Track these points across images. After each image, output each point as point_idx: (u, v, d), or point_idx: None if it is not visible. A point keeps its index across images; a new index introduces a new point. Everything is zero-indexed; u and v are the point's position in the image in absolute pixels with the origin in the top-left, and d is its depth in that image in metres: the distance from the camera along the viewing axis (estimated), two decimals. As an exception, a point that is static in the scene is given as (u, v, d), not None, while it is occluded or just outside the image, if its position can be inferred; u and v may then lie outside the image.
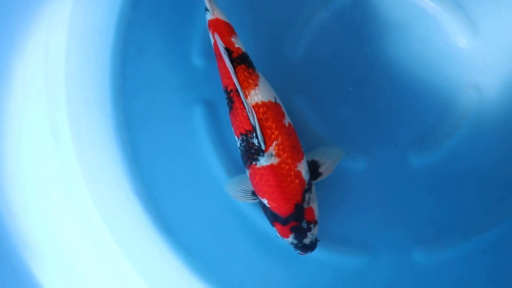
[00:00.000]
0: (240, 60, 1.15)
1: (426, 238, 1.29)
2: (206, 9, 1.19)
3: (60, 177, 1.29)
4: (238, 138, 1.15)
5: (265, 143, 1.11)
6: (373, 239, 1.29)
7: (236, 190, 1.23)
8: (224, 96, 1.17)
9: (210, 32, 1.18)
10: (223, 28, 1.17)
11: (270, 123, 1.12)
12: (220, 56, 1.15)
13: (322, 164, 1.21)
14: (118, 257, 1.29)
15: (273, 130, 1.12)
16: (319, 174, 1.20)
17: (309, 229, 1.15)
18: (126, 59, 1.35)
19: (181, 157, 1.35)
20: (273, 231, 1.30)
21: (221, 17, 1.18)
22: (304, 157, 1.16)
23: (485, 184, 1.30)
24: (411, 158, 1.31)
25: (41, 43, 1.28)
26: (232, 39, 1.16)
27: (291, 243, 1.17)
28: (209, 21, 1.18)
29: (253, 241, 1.33)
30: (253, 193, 1.20)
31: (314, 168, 1.20)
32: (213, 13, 1.18)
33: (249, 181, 1.19)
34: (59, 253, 1.25)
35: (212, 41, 1.17)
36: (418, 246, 1.30)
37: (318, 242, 1.19)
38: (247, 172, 1.16)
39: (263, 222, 1.32)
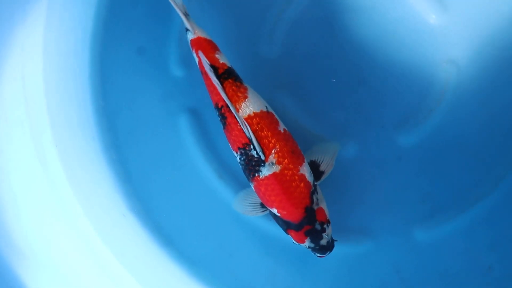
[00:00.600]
0: (227, 75, 1.15)
1: (423, 216, 1.30)
2: (187, 29, 1.19)
3: (54, 204, 1.28)
4: (237, 153, 1.15)
5: (264, 153, 1.11)
6: (372, 223, 1.30)
7: (244, 206, 1.23)
8: (215, 112, 1.17)
9: (194, 51, 1.18)
10: (206, 46, 1.17)
11: (265, 132, 1.12)
12: (206, 73, 1.15)
13: (322, 162, 1.21)
14: (124, 276, 1.29)
15: (270, 139, 1.12)
16: (322, 173, 1.20)
17: (324, 230, 1.15)
18: (104, 78, 1.35)
19: (172, 168, 1.35)
20: (274, 230, 1.31)
21: (203, 35, 1.18)
22: (305, 160, 1.16)
23: (474, 153, 1.31)
24: (399, 137, 1.32)
25: (16, 70, 1.28)
26: (216, 55, 1.17)
27: (309, 247, 1.16)
28: (191, 40, 1.18)
29: (254, 242, 1.33)
30: (262, 205, 1.20)
31: (315, 168, 1.20)
32: (194, 32, 1.18)
33: (255, 194, 1.18)
34: (65, 278, 1.24)
35: (197, 59, 1.18)
36: (417, 224, 1.30)
37: (335, 242, 1.18)
38: (252, 185, 1.16)
39: (262, 222, 1.33)
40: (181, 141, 1.35)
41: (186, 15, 1.19)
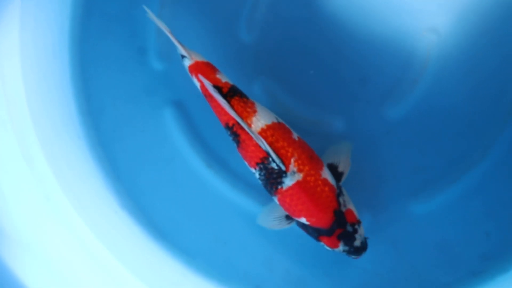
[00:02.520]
0: (232, 93, 1.13)
1: (417, 188, 1.29)
2: (183, 56, 1.17)
3: (44, 204, 1.27)
4: (256, 169, 1.13)
5: (284, 164, 1.09)
6: (365, 199, 1.29)
7: (269, 221, 1.21)
8: (227, 133, 1.15)
9: (194, 76, 1.16)
10: (205, 68, 1.16)
11: (281, 143, 1.11)
12: (210, 96, 1.14)
13: (339, 164, 1.19)
14: (120, 272, 1.28)
15: (287, 148, 1.10)
16: (341, 174, 1.19)
17: (356, 231, 1.13)
18: (86, 77, 1.35)
19: (160, 162, 1.34)
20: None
21: (199, 58, 1.17)
22: (324, 164, 1.15)
23: (462, 122, 1.30)
24: (385, 111, 1.31)
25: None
26: (217, 75, 1.15)
27: (343, 251, 1.14)
28: (189, 66, 1.17)
29: (249, 229, 1.32)
30: (287, 217, 1.18)
31: (334, 170, 1.18)
32: (191, 58, 1.16)
33: (278, 208, 1.17)
34: (61, 275, 1.23)
35: (198, 84, 1.16)
36: (411, 197, 1.30)
37: (368, 240, 1.17)
38: (275, 199, 1.15)
39: (255, 208, 1.32)
40: (168, 134, 1.35)
41: (178, 41, 1.17)
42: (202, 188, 1.33)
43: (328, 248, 1.16)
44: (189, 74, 1.18)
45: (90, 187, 1.33)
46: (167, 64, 1.34)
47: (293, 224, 1.19)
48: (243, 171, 1.33)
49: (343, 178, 1.19)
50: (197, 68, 1.16)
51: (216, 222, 1.32)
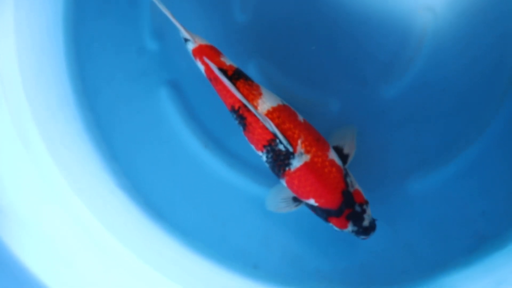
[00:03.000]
0: (237, 75, 1.13)
1: (413, 167, 1.30)
2: (186, 40, 1.16)
3: (40, 183, 1.27)
4: (263, 152, 1.13)
5: (291, 145, 1.09)
6: (361, 178, 1.28)
7: (276, 203, 1.21)
8: (232, 116, 1.15)
9: (198, 59, 1.16)
10: (209, 52, 1.15)
11: (288, 124, 1.10)
12: (215, 79, 1.13)
13: (344, 146, 1.19)
14: (118, 250, 1.28)
15: (294, 130, 1.10)
16: (347, 156, 1.19)
17: (364, 211, 1.14)
18: (80, 58, 1.34)
19: (157, 142, 1.34)
20: (265, 193, 1.31)
21: (203, 42, 1.16)
22: (330, 146, 1.15)
23: (458, 100, 1.30)
24: (381, 90, 1.31)
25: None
26: (222, 59, 1.15)
27: (352, 231, 1.15)
28: (193, 50, 1.16)
29: (246, 207, 1.32)
30: (294, 199, 1.18)
31: (339, 153, 1.18)
32: (195, 41, 1.15)
33: (286, 190, 1.17)
34: (57, 254, 1.24)
35: (203, 67, 1.16)
36: (407, 176, 1.30)
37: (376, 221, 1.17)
38: (283, 181, 1.14)
39: (252, 187, 1.32)
40: (164, 114, 1.35)
41: (182, 25, 1.16)
42: (199, 167, 1.33)
43: (337, 229, 1.16)
44: (193, 57, 1.17)
45: (87, 167, 1.33)
46: (162, 44, 1.34)
47: (301, 206, 1.19)
48: (240, 150, 1.33)
49: (349, 160, 1.19)
50: (201, 51, 1.15)
51: (213, 201, 1.33)
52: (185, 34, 1.15)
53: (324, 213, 1.15)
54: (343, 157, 1.18)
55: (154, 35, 1.34)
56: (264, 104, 1.11)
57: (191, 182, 1.33)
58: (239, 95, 1.10)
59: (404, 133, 1.30)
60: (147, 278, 1.28)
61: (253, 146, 1.15)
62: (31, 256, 1.19)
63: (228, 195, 1.33)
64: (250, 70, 1.32)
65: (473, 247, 1.28)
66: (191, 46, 1.16)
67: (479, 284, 1.24)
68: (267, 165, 1.15)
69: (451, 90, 1.29)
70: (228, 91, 1.11)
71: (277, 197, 1.21)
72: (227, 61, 1.15)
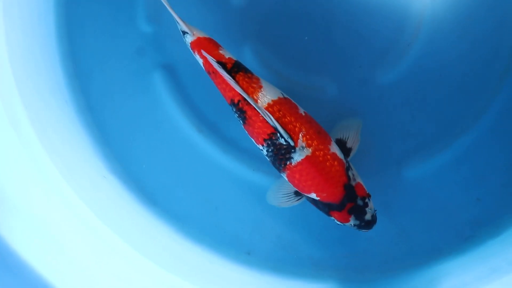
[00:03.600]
0: (236, 68, 1.11)
1: (409, 152, 1.29)
2: (184, 32, 1.14)
3: (31, 169, 1.25)
4: (263, 145, 1.11)
5: (292, 139, 1.07)
6: (357, 164, 1.27)
7: (278, 198, 1.20)
8: (232, 109, 1.13)
9: (196, 53, 1.13)
10: (208, 44, 1.13)
11: (288, 118, 1.08)
12: (214, 72, 1.11)
13: (347, 139, 1.18)
14: (109, 237, 1.27)
15: (295, 123, 1.08)
16: (350, 149, 1.17)
17: (366, 205, 1.12)
18: (72, 41, 1.32)
19: (150, 126, 1.32)
20: (259, 179, 1.30)
21: (201, 34, 1.14)
22: (332, 139, 1.13)
23: (456, 86, 1.29)
24: (378, 76, 1.30)
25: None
26: (221, 51, 1.12)
27: (354, 225, 1.14)
28: (191, 43, 1.14)
29: (239, 193, 1.31)
30: (296, 193, 1.17)
31: (342, 146, 1.17)
32: (193, 34, 1.13)
33: (287, 184, 1.16)
34: (48, 240, 1.22)
35: (201, 61, 1.13)
36: (403, 162, 1.29)
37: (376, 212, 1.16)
38: (284, 175, 1.13)
39: (246, 172, 1.31)
40: (157, 98, 1.33)
41: (180, 18, 1.14)
42: (193, 152, 1.32)
43: (338, 223, 1.15)
44: (191, 51, 1.15)
45: (78, 152, 1.31)
46: (156, 27, 1.32)
47: (302, 200, 1.18)
48: (234, 135, 1.32)
49: (352, 154, 1.18)
50: (199, 44, 1.13)
51: (206, 187, 1.31)
52: (183, 27, 1.13)
53: (326, 207, 1.14)
54: (346, 150, 1.17)
55: (148, 18, 1.32)
56: (265, 97, 1.09)
57: (184, 167, 1.32)
58: (238, 89, 1.08)
59: (400, 118, 1.29)
60: (139, 265, 1.27)
61: (253, 140, 1.13)
62: (21, 242, 1.18)
63: (222, 180, 1.32)
64: (246, 55, 1.31)
65: (468, 234, 1.28)
66: (189, 39, 1.14)
67: (474, 272, 1.24)
68: (267, 159, 1.13)
69: (447, 76, 1.28)
70: (227, 84, 1.09)
71: (279, 192, 1.20)
72: (226, 54, 1.13)
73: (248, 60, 1.30)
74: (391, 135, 1.29)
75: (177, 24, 1.15)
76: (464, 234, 1.28)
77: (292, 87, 1.30)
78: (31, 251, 1.18)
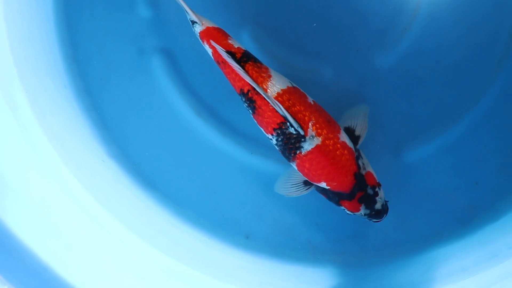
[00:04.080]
0: (245, 58, 1.10)
1: (406, 137, 1.29)
2: (193, 22, 1.14)
3: (30, 152, 1.25)
4: (273, 135, 1.11)
5: (302, 128, 1.07)
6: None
7: (287, 188, 1.20)
8: (241, 99, 1.13)
9: (205, 42, 1.13)
10: (217, 34, 1.12)
11: (298, 107, 1.08)
12: (223, 62, 1.11)
13: (356, 127, 1.17)
14: (108, 221, 1.27)
15: (304, 112, 1.08)
16: (358, 137, 1.17)
17: (376, 194, 1.12)
18: (71, 25, 1.32)
19: (148, 111, 1.33)
20: (258, 163, 1.30)
21: (210, 24, 1.13)
22: (341, 128, 1.13)
23: (453, 69, 1.29)
24: (375, 59, 1.30)
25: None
26: (230, 41, 1.12)
27: (364, 215, 1.14)
28: (200, 32, 1.13)
29: (238, 177, 1.31)
30: (305, 183, 1.17)
31: (350, 134, 1.16)
32: (202, 23, 1.13)
33: (296, 174, 1.15)
34: (46, 223, 1.22)
35: (210, 50, 1.13)
36: (401, 146, 1.29)
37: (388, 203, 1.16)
38: (294, 164, 1.13)
39: (245, 156, 1.31)
40: (156, 82, 1.33)
41: (189, 8, 1.14)
42: (191, 136, 1.32)
43: (349, 212, 1.15)
44: (200, 40, 1.15)
45: (77, 136, 1.31)
46: (155, 11, 1.32)
47: (312, 189, 1.18)
48: (233, 119, 1.32)
49: (360, 141, 1.18)
50: (208, 34, 1.13)
51: (205, 171, 1.31)
52: (192, 17, 1.14)
53: (336, 197, 1.13)
54: (355, 138, 1.17)
55: (147, 2, 1.32)
56: (274, 86, 1.09)
57: (183, 151, 1.32)
58: (248, 78, 1.07)
59: (398, 102, 1.29)
60: (137, 248, 1.28)
61: (262, 129, 1.13)
62: (20, 225, 1.18)
63: (220, 164, 1.32)
64: (244, 39, 1.31)
65: (466, 218, 1.28)
66: (198, 29, 1.14)
67: (473, 256, 1.23)
68: (277, 148, 1.13)
69: (446, 60, 1.28)
70: (237, 74, 1.09)
71: (288, 182, 1.20)
72: (235, 44, 1.12)
73: (246, 43, 1.30)
74: (389, 119, 1.29)
75: (186, 14, 1.15)
76: (463, 218, 1.28)
77: (290, 71, 1.30)
78: (29, 235, 1.18)
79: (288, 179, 1.20)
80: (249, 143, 1.31)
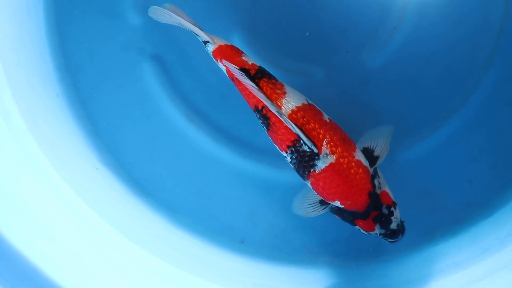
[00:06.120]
0: (260, 74, 1.10)
1: (399, 136, 1.28)
2: (205, 42, 1.14)
3: (23, 162, 1.26)
4: (287, 152, 1.10)
5: (316, 146, 1.06)
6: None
7: (304, 208, 1.18)
8: (256, 115, 1.12)
9: (218, 61, 1.13)
10: (230, 52, 1.13)
11: (312, 124, 1.07)
12: (237, 80, 1.10)
13: (375, 147, 1.16)
14: (103, 228, 1.27)
15: (319, 130, 1.07)
16: (377, 158, 1.15)
17: (391, 213, 1.11)
18: (62, 35, 1.33)
19: (140, 118, 1.33)
20: (251, 168, 1.30)
21: (222, 42, 1.14)
22: (357, 146, 1.12)
23: (443, 68, 1.29)
24: (365, 60, 1.30)
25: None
26: (243, 58, 1.12)
27: (379, 235, 1.12)
28: (213, 51, 1.13)
29: (232, 182, 1.32)
30: (321, 202, 1.16)
31: (368, 154, 1.15)
32: (214, 42, 1.13)
33: (312, 192, 1.15)
34: (43, 233, 1.23)
35: (224, 68, 1.13)
36: (393, 146, 1.28)
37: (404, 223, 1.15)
38: (308, 183, 1.12)
39: (238, 161, 1.32)
40: (147, 89, 1.33)
41: (198, 27, 1.14)
42: (184, 142, 1.32)
43: (364, 232, 1.13)
44: (214, 59, 1.15)
45: (70, 144, 1.32)
46: (145, 18, 1.31)
47: (327, 208, 1.17)
48: (225, 124, 1.32)
49: (379, 162, 1.16)
50: (221, 52, 1.13)
51: (198, 176, 1.32)
52: (204, 37, 1.14)
53: (350, 216, 1.12)
54: (373, 159, 1.15)
55: (137, 8, 1.32)
56: (288, 103, 1.09)
57: (176, 157, 1.33)
58: (262, 96, 1.06)
59: (389, 102, 1.29)
60: (132, 255, 1.28)
61: (277, 147, 1.13)
62: (13, 234, 1.18)
63: (214, 170, 1.32)
64: (235, 42, 1.30)
65: (460, 216, 1.28)
66: (211, 48, 1.14)
67: (466, 252, 1.24)
68: (291, 166, 1.13)
69: (435, 58, 1.29)
70: (251, 91, 1.08)
71: (304, 202, 1.18)
72: (249, 60, 1.12)
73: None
74: (380, 119, 1.29)
75: (197, 36, 1.15)
76: (456, 216, 1.28)
77: (281, 73, 1.29)
78: (23, 243, 1.18)
79: (304, 200, 1.18)
80: (241, 148, 1.31)
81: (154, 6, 1.18)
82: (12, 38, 1.28)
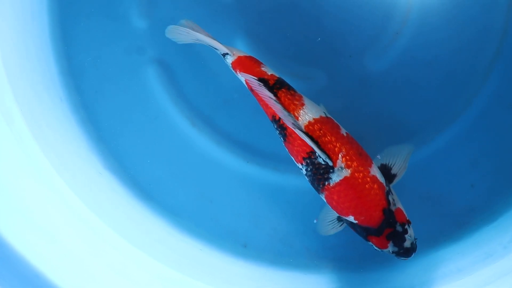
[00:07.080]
0: (279, 85, 1.10)
1: (400, 141, 1.29)
2: (224, 54, 1.15)
3: (27, 166, 1.26)
4: (302, 164, 1.10)
5: (331, 159, 1.06)
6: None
7: (325, 226, 1.18)
8: (273, 125, 1.13)
9: (238, 72, 1.14)
10: (249, 63, 1.13)
11: (329, 137, 1.07)
12: (255, 91, 1.11)
13: (393, 165, 1.15)
14: (105, 232, 1.27)
15: (335, 143, 1.07)
16: (394, 176, 1.15)
17: (405, 231, 1.10)
18: (66, 38, 1.33)
19: (144, 121, 1.33)
20: (254, 171, 1.30)
21: (241, 53, 1.14)
22: (373, 162, 1.12)
23: (446, 72, 1.30)
24: (368, 65, 1.30)
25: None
26: (263, 68, 1.12)
27: (392, 252, 1.11)
28: (232, 63, 1.14)
29: (234, 186, 1.32)
30: (338, 219, 1.16)
31: (386, 172, 1.14)
32: (233, 54, 1.14)
33: (330, 212, 1.14)
34: (46, 237, 1.23)
35: (243, 79, 1.14)
36: (396, 150, 1.29)
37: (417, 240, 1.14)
38: (323, 196, 1.11)
39: (241, 165, 1.32)
40: (151, 93, 1.34)
41: (215, 40, 1.15)
42: (187, 146, 1.32)
43: (377, 248, 1.12)
44: (233, 71, 1.15)
45: (74, 149, 1.32)
46: (149, 22, 1.33)
47: (344, 225, 1.17)
48: (228, 128, 1.32)
49: (395, 180, 1.16)
50: (240, 63, 1.14)
51: (201, 180, 1.32)
52: (223, 49, 1.15)
53: (364, 232, 1.11)
54: (390, 176, 1.15)
55: (141, 12, 1.33)
56: (306, 115, 1.09)
57: (179, 161, 1.33)
58: (279, 107, 1.06)
59: (391, 106, 1.29)
60: (135, 258, 1.28)
61: (293, 158, 1.13)
62: (16, 238, 1.18)
63: (216, 173, 1.32)
64: (238, 47, 1.31)
65: (462, 220, 1.28)
66: (230, 60, 1.15)
67: (469, 257, 1.23)
68: (307, 179, 1.12)
69: (437, 63, 1.29)
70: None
71: (325, 220, 1.18)
72: (268, 71, 1.12)
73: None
74: (382, 123, 1.29)
75: (216, 50, 1.16)
76: (459, 221, 1.28)
77: (284, 78, 1.29)
78: (27, 248, 1.18)
79: (325, 219, 1.18)
80: (244, 152, 1.32)
81: (171, 26, 1.19)
82: (15, 42, 1.28)
